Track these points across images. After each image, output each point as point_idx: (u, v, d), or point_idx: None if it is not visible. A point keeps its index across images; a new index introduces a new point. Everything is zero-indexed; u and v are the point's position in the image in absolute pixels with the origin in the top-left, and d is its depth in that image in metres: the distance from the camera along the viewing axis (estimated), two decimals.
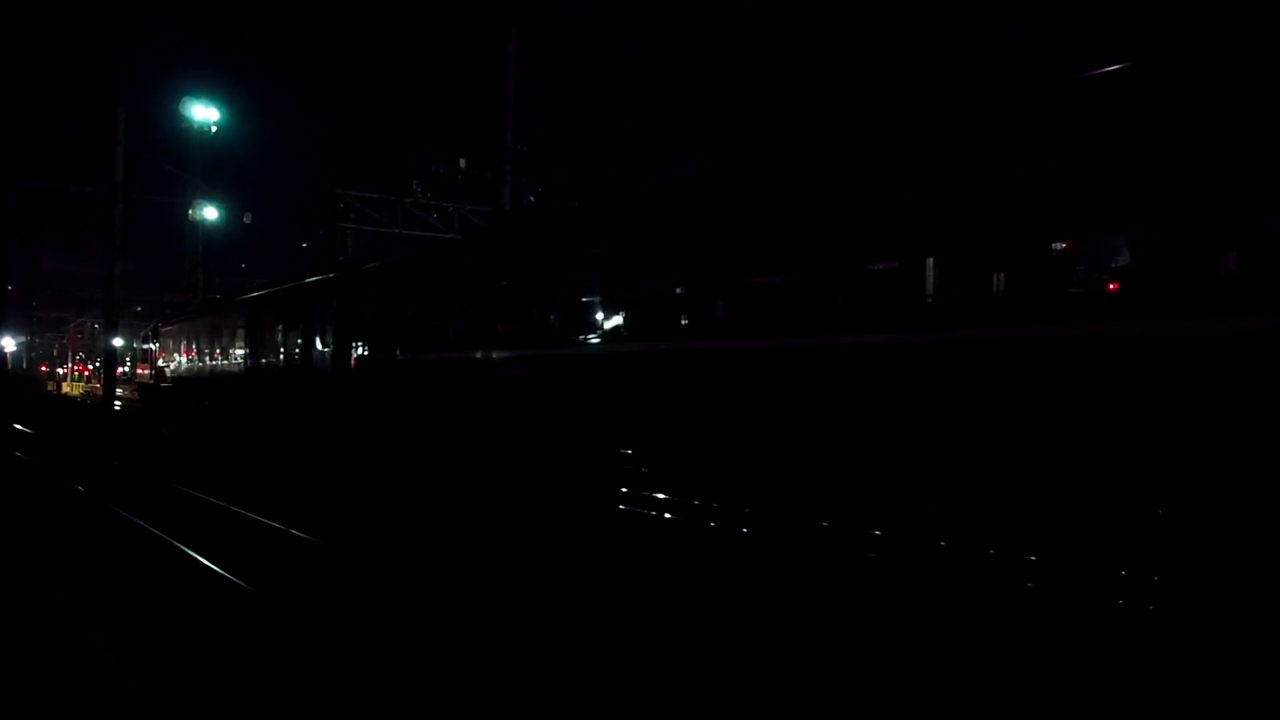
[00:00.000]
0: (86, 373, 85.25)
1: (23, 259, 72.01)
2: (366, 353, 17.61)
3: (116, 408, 38.92)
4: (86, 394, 65.06)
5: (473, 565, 8.98)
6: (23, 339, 70.00)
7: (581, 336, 11.78)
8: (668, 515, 10.38)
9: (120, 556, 9.42)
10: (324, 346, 19.56)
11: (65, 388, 74.30)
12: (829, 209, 8.77)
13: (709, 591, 7.84)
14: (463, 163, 36.28)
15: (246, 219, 43.53)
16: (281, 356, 21.88)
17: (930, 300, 7.85)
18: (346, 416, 18.40)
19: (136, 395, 45.20)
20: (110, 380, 39.50)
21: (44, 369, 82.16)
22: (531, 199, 35.07)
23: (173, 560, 9.14)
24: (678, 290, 10.47)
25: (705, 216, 10.18)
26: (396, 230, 37.27)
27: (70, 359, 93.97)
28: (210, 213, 43.11)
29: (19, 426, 28.14)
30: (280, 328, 22.06)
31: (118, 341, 41.15)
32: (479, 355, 13.84)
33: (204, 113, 43.52)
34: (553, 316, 12.36)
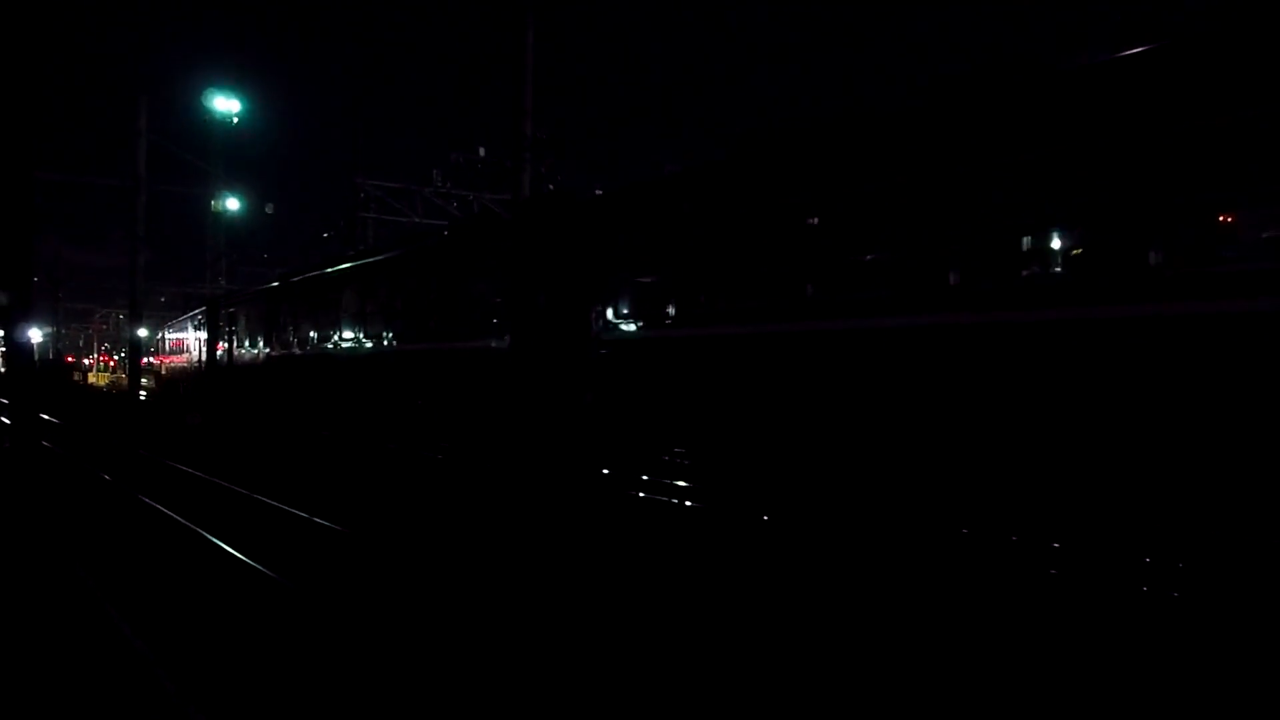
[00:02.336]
0: (112, 363, 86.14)
1: (48, 251, 72.75)
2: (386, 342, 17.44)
3: (142, 397, 39.28)
4: (112, 384, 65.74)
5: (505, 563, 8.99)
6: (49, 330, 70.70)
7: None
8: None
9: (146, 545, 9.50)
10: (337, 334, 19.50)
11: (91, 378, 75.09)
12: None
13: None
14: (482, 151, 36.23)
15: (268, 209, 43.80)
16: (303, 345, 22.04)
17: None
18: (359, 401, 18.16)
19: (159, 386, 45.60)
20: (135, 370, 39.85)
21: (70, 360, 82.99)
22: (550, 186, 35.03)
23: (198, 547, 9.22)
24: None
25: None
26: (417, 219, 37.31)
27: (96, 350, 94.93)
28: (232, 203, 43.39)
29: (46, 417, 28.45)
30: (304, 316, 22.24)
31: (142, 332, 41.50)
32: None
33: (226, 104, 43.72)
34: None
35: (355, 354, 19.20)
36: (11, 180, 10.57)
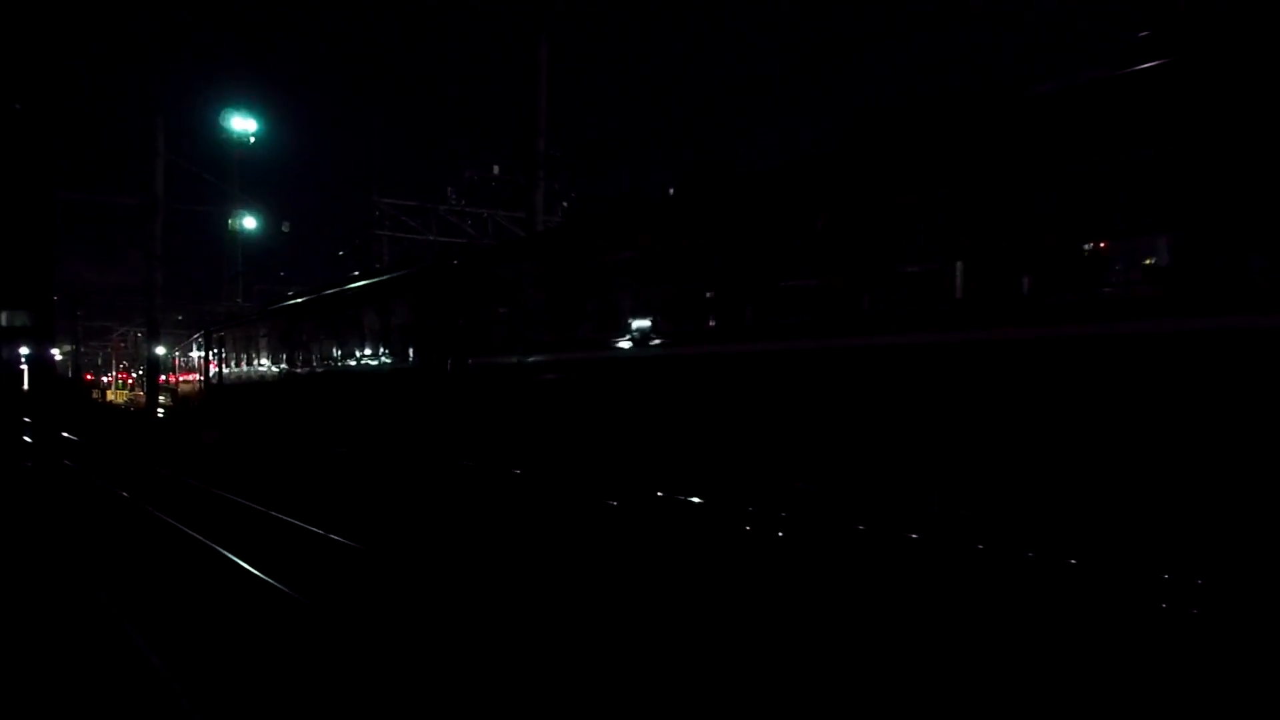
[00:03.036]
0: (130, 381, 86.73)
1: (68, 270, 73.38)
2: (407, 359, 17.98)
3: (159, 415, 39.56)
4: (130, 401, 66.19)
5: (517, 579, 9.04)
6: (68, 348, 71.26)
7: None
8: None
9: (163, 561, 9.58)
10: (359, 353, 19.92)
11: (110, 396, 75.62)
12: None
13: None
14: (496, 169, 36.51)
15: (284, 228, 44.11)
16: (320, 363, 22.27)
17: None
18: (382, 419, 18.87)
19: (176, 404, 45.94)
20: (153, 388, 40.16)
21: (89, 377, 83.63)
22: (565, 204, 35.22)
23: (215, 565, 9.29)
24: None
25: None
26: (431, 237, 37.56)
27: (114, 367, 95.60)
28: (249, 222, 43.71)
29: (66, 434, 28.69)
30: (318, 335, 22.51)
31: (160, 350, 41.83)
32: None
33: (242, 123, 44.09)
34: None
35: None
36: (32, 200, 10.71)
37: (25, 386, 12.33)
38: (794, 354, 9.70)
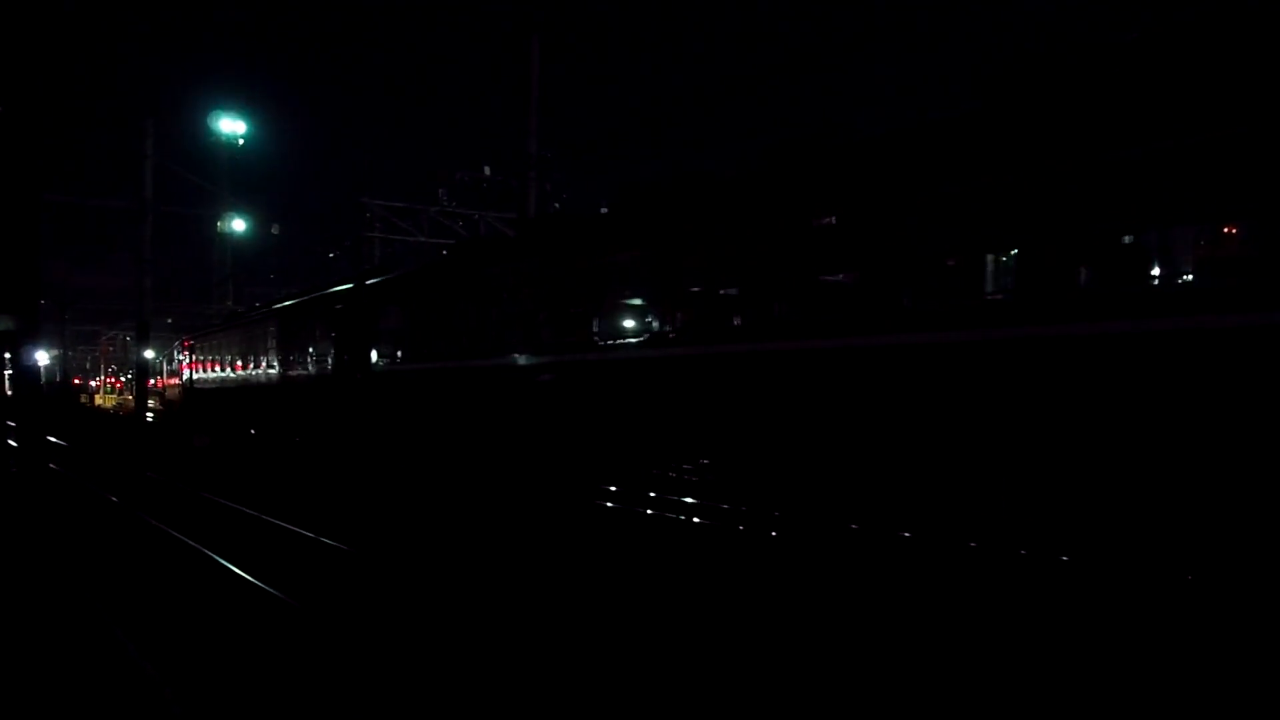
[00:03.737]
0: (119, 385, 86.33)
1: (55, 273, 72.93)
2: (385, 361, 19.32)
3: (149, 419, 39.34)
4: (119, 406, 65.87)
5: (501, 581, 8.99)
6: (56, 353, 70.84)
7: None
8: None
9: (153, 566, 9.48)
10: (348, 356, 20.05)
11: (98, 400, 75.25)
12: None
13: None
14: (487, 170, 36.43)
15: (274, 230, 43.92)
16: (312, 366, 22.21)
17: None
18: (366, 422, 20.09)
19: (164, 407, 45.77)
20: (142, 392, 39.93)
21: (78, 382, 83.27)
22: (556, 205, 35.11)
23: (206, 569, 9.19)
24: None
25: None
26: (423, 239, 37.50)
27: (103, 372, 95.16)
28: (239, 225, 43.48)
29: (54, 439, 28.49)
30: (309, 338, 22.49)
31: (149, 354, 41.61)
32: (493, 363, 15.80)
33: (231, 126, 43.88)
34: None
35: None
36: (19, 203, 10.60)
37: (10, 391, 12.19)
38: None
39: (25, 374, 11.52)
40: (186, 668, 6.00)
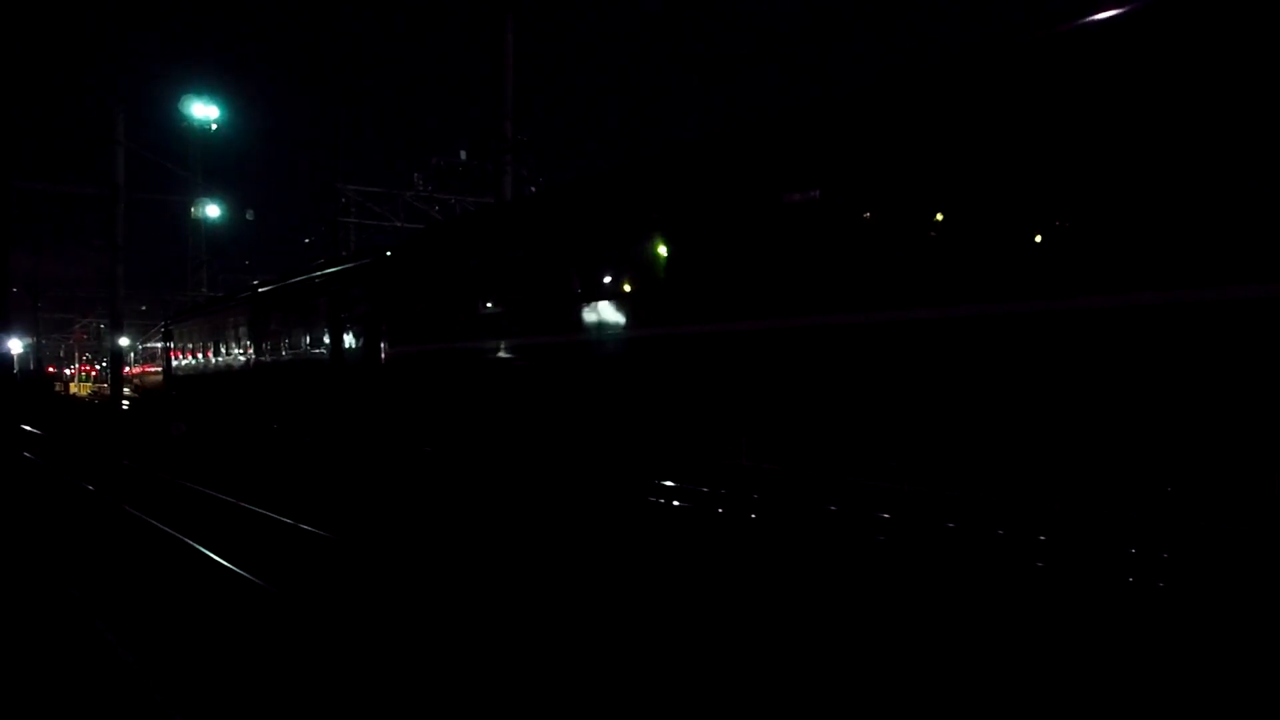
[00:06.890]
0: (93, 373, 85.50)
1: (26, 261, 72.12)
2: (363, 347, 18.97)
3: (124, 407, 39.03)
4: (94, 394, 65.26)
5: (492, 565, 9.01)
6: (29, 341, 70.04)
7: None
8: None
9: (132, 555, 9.44)
10: (325, 341, 19.91)
11: (73, 388, 74.51)
12: None
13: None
14: (463, 155, 36.15)
15: (249, 216, 43.56)
16: (288, 352, 22.10)
17: None
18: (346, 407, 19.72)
19: (139, 394, 45.40)
20: (117, 380, 39.60)
21: (51, 370, 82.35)
22: (532, 189, 34.95)
23: (185, 557, 9.16)
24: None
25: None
26: (398, 224, 37.25)
27: (77, 360, 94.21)
28: (212, 210, 43.13)
29: (28, 428, 28.22)
30: (286, 324, 22.34)
31: (123, 341, 41.24)
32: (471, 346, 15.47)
33: (204, 110, 43.44)
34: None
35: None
36: None
37: None
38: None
39: None
40: (166, 656, 6.00)
